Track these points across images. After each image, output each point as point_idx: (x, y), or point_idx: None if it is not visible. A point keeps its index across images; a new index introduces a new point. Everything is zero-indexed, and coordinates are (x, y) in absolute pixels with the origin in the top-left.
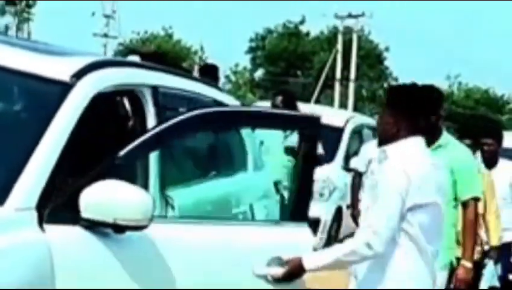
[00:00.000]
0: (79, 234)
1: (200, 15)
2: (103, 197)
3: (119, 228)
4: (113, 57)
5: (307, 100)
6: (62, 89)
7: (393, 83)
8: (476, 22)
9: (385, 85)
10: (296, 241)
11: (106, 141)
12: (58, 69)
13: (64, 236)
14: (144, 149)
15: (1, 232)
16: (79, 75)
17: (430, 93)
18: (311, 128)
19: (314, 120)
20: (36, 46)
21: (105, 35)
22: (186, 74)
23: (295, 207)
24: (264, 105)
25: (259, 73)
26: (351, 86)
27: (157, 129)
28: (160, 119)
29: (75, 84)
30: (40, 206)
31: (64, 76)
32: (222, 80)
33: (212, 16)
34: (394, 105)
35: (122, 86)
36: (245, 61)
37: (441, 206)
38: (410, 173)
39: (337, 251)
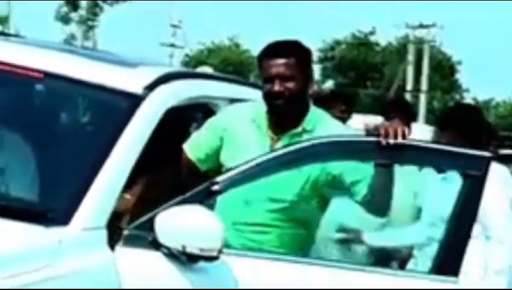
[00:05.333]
0: (155, 259)
1: (267, 24)
2: (175, 222)
3: (190, 257)
4: (187, 68)
5: (377, 112)
6: (134, 101)
7: (465, 94)
8: None
9: (457, 97)
10: None
11: (179, 157)
12: (129, 80)
13: (140, 261)
14: (244, 178)
15: (65, 255)
16: (152, 87)
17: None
18: (476, 169)
19: (481, 159)
20: (105, 56)
21: (172, 45)
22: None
23: (446, 258)
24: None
25: (329, 84)
26: (422, 98)
27: (265, 158)
28: None
29: (147, 97)
30: (111, 226)
31: (137, 88)
32: None
33: (280, 25)
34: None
35: (197, 98)
36: (315, 71)
37: None
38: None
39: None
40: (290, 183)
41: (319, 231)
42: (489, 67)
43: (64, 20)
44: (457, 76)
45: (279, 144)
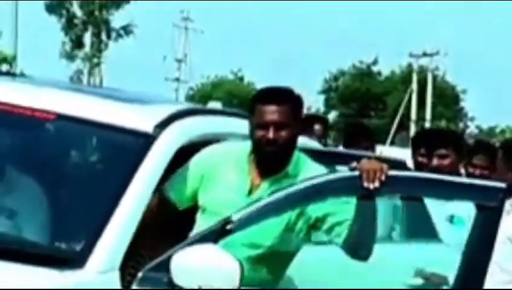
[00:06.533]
0: None
1: (272, 56)
2: (191, 263)
3: None
4: (199, 105)
5: (382, 142)
6: (146, 141)
7: (469, 123)
8: None
9: (461, 125)
10: None
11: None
12: (140, 119)
13: None
14: (260, 215)
15: None
16: (163, 125)
17: None
18: (491, 200)
19: (496, 190)
20: (115, 94)
21: (177, 80)
22: None
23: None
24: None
25: (333, 115)
26: (427, 126)
27: (280, 194)
28: None
29: (159, 136)
30: (124, 268)
31: (147, 127)
32: None
33: (285, 57)
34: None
35: (209, 135)
36: (318, 103)
37: None
38: None
39: None
40: (270, 228)
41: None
42: (493, 94)
43: (69, 57)
44: (462, 104)
45: (260, 189)
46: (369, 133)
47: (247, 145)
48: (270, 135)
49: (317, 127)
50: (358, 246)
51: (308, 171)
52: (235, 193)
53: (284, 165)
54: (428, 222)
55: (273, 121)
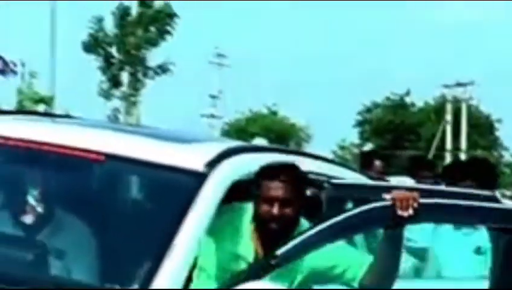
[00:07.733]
0: None
1: (307, 90)
2: None
3: None
4: (247, 142)
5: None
6: (196, 179)
7: (504, 152)
8: None
9: (495, 154)
10: None
11: None
12: (190, 158)
13: None
14: (304, 248)
15: None
16: (213, 163)
17: None
18: None
19: None
20: (161, 133)
21: (212, 116)
22: (323, 156)
23: None
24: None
25: (368, 147)
26: (462, 157)
27: (322, 226)
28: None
29: (209, 174)
30: None
31: (198, 165)
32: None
33: (318, 90)
34: None
35: None
36: (353, 135)
37: None
38: None
39: None
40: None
41: None
42: None
43: (106, 96)
44: (497, 134)
45: None
46: (430, 164)
47: (249, 210)
48: (275, 211)
49: (377, 163)
50: (381, 276)
51: None
52: (239, 262)
53: (287, 237)
54: None
55: (278, 197)
